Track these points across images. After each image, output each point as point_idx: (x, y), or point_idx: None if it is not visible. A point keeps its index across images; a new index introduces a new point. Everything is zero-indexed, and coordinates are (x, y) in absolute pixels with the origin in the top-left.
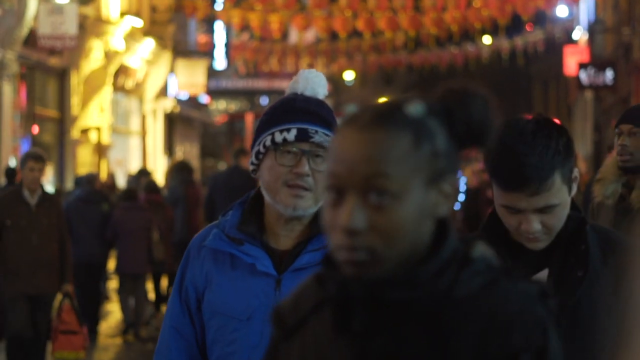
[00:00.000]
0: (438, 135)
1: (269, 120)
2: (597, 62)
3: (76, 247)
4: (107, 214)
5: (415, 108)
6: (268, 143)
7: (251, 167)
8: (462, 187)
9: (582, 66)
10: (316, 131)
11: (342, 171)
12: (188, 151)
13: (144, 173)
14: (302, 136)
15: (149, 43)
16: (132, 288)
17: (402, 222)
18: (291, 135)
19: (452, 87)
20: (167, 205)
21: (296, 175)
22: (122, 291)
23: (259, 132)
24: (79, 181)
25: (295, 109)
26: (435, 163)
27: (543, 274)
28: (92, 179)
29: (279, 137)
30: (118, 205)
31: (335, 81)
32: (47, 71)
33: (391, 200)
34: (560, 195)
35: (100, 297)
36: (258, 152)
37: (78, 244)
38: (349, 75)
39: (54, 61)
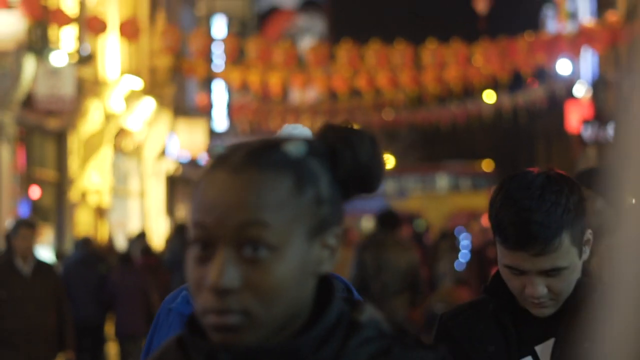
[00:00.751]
0: (322, 179)
1: None
2: (599, 118)
3: (73, 310)
4: (105, 276)
5: (295, 147)
6: None
7: None
8: (467, 245)
9: (584, 122)
10: None
11: (210, 220)
12: (189, 213)
13: (142, 236)
14: None
15: (149, 103)
16: (132, 350)
17: (281, 280)
18: None
19: (336, 125)
20: (163, 268)
21: None
22: (122, 354)
23: None
24: (78, 244)
25: None
26: (319, 211)
27: (548, 344)
28: (88, 241)
29: None
30: (115, 268)
31: None
32: (46, 133)
33: (268, 254)
34: (569, 258)
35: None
36: None
37: (75, 306)
38: None
39: (52, 123)
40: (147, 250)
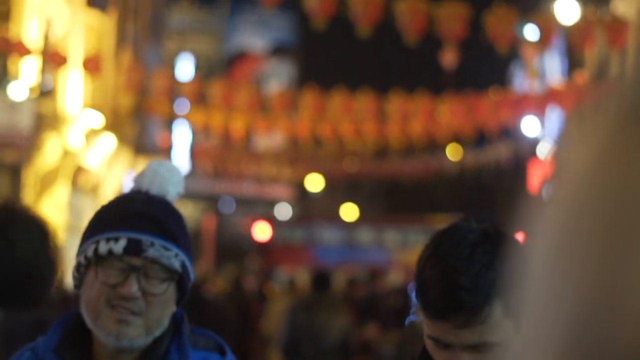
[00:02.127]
0: None
1: (96, 224)
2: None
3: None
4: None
5: None
6: (90, 254)
7: (73, 282)
8: None
9: (545, 181)
10: (152, 243)
11: None
12: None
13: None
14: (133, 249)
15: (109, 141)
16: None
17: None
18: (119, 247)
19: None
20: None
21: (121, 296)
22: None
23: (84, 238)
24: None
25: (130, 213)
26: None
27: None
28: None
29: (103, 248)
30: (56, 308)
31: (300, 188)
32: (0, 166)
33: None
34: (501, 332)
35: None
36: (79, 264)
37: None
38: (314, 183)
39: (7, 156)
40: None
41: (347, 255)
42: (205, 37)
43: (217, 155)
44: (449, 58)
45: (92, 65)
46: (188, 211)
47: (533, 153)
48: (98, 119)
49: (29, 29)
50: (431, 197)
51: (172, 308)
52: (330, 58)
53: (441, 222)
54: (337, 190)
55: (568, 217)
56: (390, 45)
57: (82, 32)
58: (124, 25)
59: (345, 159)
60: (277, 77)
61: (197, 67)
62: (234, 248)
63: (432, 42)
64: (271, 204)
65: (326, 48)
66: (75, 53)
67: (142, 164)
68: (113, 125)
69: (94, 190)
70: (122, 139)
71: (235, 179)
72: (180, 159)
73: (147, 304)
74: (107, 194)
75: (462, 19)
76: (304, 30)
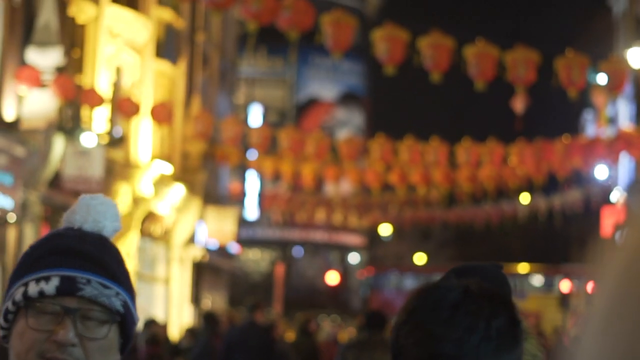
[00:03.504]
0: None
1: (24, 264)
2: None
3: None
4: None
5: None
6: (19, 298)
7: (0, 333)
8: None
9: (618, 228)
10: (88, 280)
11: None
12: (215, 301)
13: (150, 324)
14: (67, 288)
15: (179, 189)
16: None
17: None
18: (51, 287)
19: None
20: (167, 357)
21: (56, 344)
22: None
23: (11, 281)
24: None
25: (61, 250)
26: None
27: None
28: None
29: (33, 290)
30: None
31: (370, 234)
32: None
33: None
34: None
35: None
36: (7, 311)
37: None
38: (385, 230)
39: None
40: (153, 339)
41: None
42: (275, 85)
43: (287, 203)
44: (519, 103)
45: (161, 114)
46: (257, 258)
47: (605, 199)
48: (167, 167)
49: (100, 77)
50: (501, 244)
51: (115, 356)
52: (400, 105)
53: (512, 268)
54: (407, 237)
55: (628, 272)
56: (460, 92)
57: (151, 82)
58: (193, 74)
59: (416, 206)
60: (347, 125)
61: (267, 115)
62: (305, 293)
63: (502, 87)
64: (341, 250)
65: (396, 95)
66: (146, 102)
67: (211, 212)
68: (183, 173)
69: (164, 238)
70: (191, 187)
71: (305, 226)
72: (251, 206)
73: (86, 352)
74: (177, 242)
75: (532, 63)
76: (373, 78)
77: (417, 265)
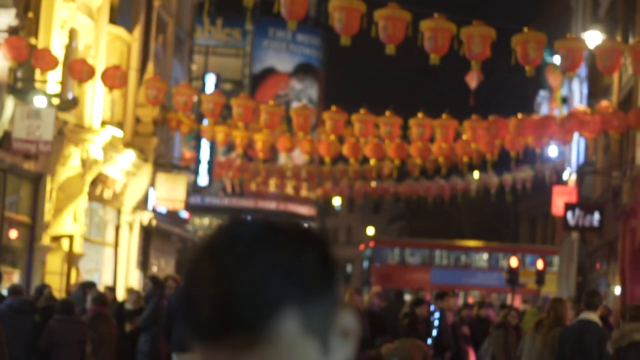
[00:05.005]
0: None
1: None
2: (584, 204)
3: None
4: (39, 324)
5: None
6: None
7: None
8: (436, 322)
9: (569, 207)
10: None
11: None
12: (163, 267)
13: (88, 285)
14: None
15: (130, 154)
16: None
17: None
18: None
19: None
20: (111, 319)
21: None
22: None
23: None
24: (9, 291)
25: None
26: None
27: None
28: (18, 289)
29: None
30: (54, 317)
31: (321, 206)
32: (21, 175)
33: None
34: (299, 356)
35: None
36: None
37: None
38: (336, 202)
39: (28, 165)
40: (100, 299)
41: None
42: (231, 56)
43: (239, 172)
44: (473, 79)
45: (114, 78)
46: (208, 225)
47: (557, 177)
48: (119, 132)
49: (54, 40)
50: (451, 219)
51: None
52: (354, 78)
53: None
54: (357, 209)
55: None
56: (415, 65)
57: (105, 46)
58: (147, 42)
59: (367, 179)
60: (302, 97)
61: (222, 85)
62: None
63: (458, 63)
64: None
65: (351, 68)
66: (99, 66)
67: (161, 178)
68: (134, 139)
69: (114, 202)
70: (143, 152)
71: (257, 195)
72: (203, 174)
73: None
74: (127, 207)
75: (488, 39)
76: (329, 50)
77: (419, 240)
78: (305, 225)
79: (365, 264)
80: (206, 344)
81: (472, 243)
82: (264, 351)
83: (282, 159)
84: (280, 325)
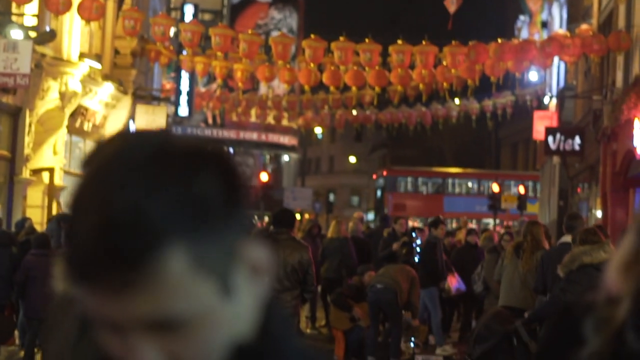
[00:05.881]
0: None
1: None
2: (565, 128)
3: None
4: (16, 257)
5: None
6: None
7: None
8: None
9: (549, 131)
10: None
11: None
12: None
13: (63, 218)
14: None
15: (109, 86)
16: (39, 332)
17: None
18: None
19: None
20: None
21: None
22: (29, 336)
23: None
24: (19, 224)
25: None
26: None
27: None
28: None
29: None
30: (30, 251)
31: (303, 135)
32: (0, 110)
33: None
34: (191, 296)
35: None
36: None
37: None
38: (317, 131)
39: (7, 99)
40: None
41: None
42: None
43: (219, 103)
44: (452, 3)
45: (92, 10)
46: None
47: (537, 102)
48: (97, 65)
49: None
50: (433, 146)
51: None
52: (334, 6)
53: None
54: (339, 139)
55: None
56: None
57: None
58: None
59: (348, 107)
60: (282, 26)
61: (201, 15)
62: None
63: None
64: (274, 150)
65: None
66: None
67: (141, 110)
68: (113, 71)
69: (95, 135)
70: (122, 84)
71: (238, 126)
72: (183, 105)
73: None
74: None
75: None
76: None
77: (433, 170)
78: (209, 143)
79: (379, 193)
80: (85, 283)
81: (484, 172)
82: (147, 291)
83: (263, 89)
84: (165, 260)
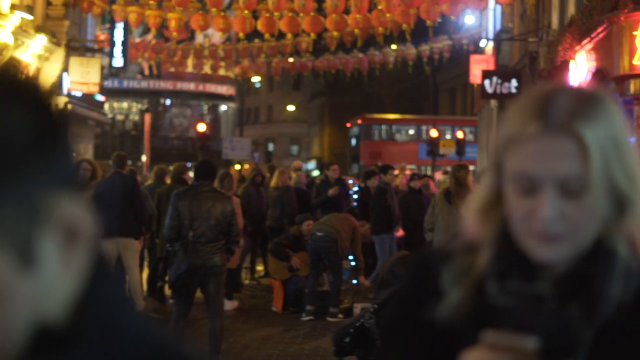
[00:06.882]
0: None
1: None
2: (501, 71)
3: None
4: None
5: None
6: None
7: None
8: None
9: (486, 75)
10: None
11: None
12: (82, 152)
13: None
14: None
15: (41, 38)
16: None
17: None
18: None
19: None
20: None
21: None
22: None
23: None
24: None
25: None
26: None
27: None
28: None
29: None
30: None
31: (240, 84)
32: None
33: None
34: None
35: None
36: None
37: None
38: (255, 80)
39: None
40: None
41: None
42: None
43: (154, 53)
44: None
45: None
46: (126, 108)
47: (474, 46)
48: (29, 16)
49: None
50: (371, 93)
51: None
52: None
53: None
54: (277, 87)
55: None
56: None
57: None
58: None
59: (285, 55)
60: None
61: None
62: (175, 144)
63: None
64: (212, 100)
65: None
66: None
67: (75, 62)
68: (46, 22)
69: None
70: (54, 36)
71: (175, 76)
72: (118, 56)
73: None
74: None
75: None
76: None
77: (407, 116)
78: (19, 71)
79: (354, 141)
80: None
81: (455, 117)
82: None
83: (199, 38)
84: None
